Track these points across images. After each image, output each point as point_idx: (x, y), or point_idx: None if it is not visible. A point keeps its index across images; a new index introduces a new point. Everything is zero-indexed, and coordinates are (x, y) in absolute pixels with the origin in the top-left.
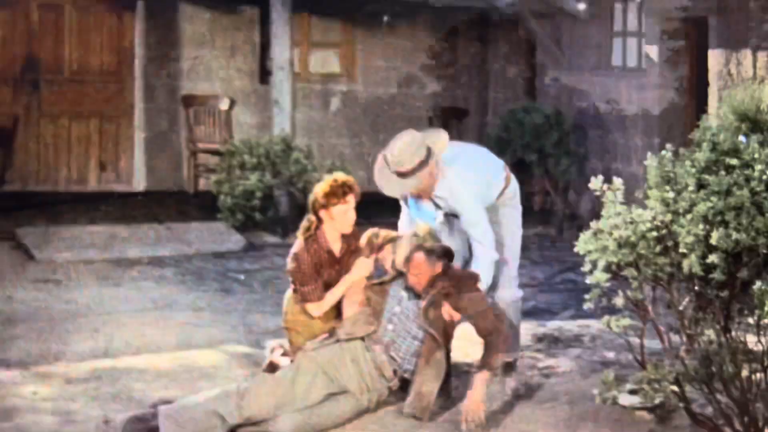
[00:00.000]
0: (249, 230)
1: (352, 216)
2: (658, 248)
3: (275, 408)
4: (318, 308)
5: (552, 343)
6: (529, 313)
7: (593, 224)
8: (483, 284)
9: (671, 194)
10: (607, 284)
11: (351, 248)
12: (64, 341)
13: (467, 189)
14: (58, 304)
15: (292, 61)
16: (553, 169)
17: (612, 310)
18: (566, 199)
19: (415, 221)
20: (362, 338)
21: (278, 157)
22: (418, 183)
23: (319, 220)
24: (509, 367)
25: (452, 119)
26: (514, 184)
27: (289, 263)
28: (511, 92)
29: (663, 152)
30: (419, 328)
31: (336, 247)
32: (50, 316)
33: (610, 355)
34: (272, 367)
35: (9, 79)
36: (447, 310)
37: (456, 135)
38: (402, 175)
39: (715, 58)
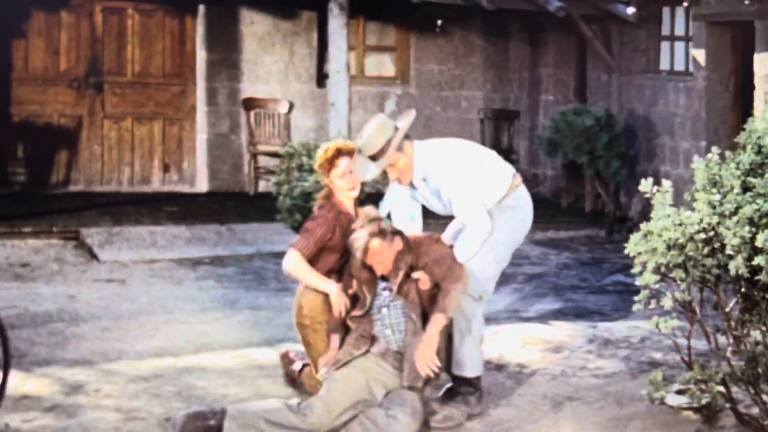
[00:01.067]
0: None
1: (350, 178)
2: (705, 250)
3: (336, 419)
4: (293, 258)
5: (602, 344)
6: (579, 315)
7: (643, 226)
8: (462, 253)
9: (717, 197)
10: (656, 286)
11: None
12: (127, 340)
13: (465, 174)
14: (121, 303)
15: (348, 64)
16: (603, 171)
17: (660, 312)
18: (617, 201)
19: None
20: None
21: None
22: (387, 163)
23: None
24: (469, 386)
25: (504, 121)
26: (520, 194)
27: (309, 221)
28: (561, 95)
29: (709, 155)
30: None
31: (352, 212)
32: (113, 314)
33: (658, 356)
34: (292, 379)
35: (73, 81)
36: (420, 280)
37: (507, 137)
38: (373, 157)
39: (761, 61)
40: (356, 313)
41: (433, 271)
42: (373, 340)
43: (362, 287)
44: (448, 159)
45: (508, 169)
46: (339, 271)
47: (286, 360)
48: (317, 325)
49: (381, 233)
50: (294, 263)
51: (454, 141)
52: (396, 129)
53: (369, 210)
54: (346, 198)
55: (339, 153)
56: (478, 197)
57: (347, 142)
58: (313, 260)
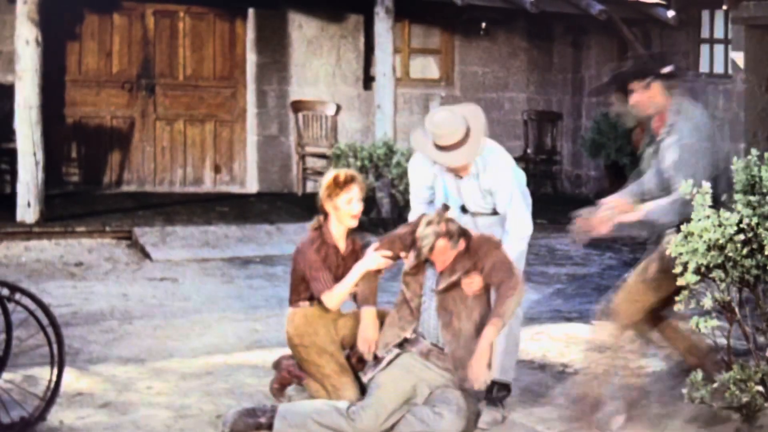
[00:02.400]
0: (353, 231)
1: (356, 207)
2: (744, 251)
3: (384, 423)
4: (331, 298)
5: (643, 344)
6: None
7: (684, 227)
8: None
9: (756, 198)
10: (696, 286)
11: (356, 248)
12: (179, 337)
13: (512, 172)
14: (173, 302)
15: (394, 67)
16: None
17: (700, 312)
18: None
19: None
20: (401, 345)
21: (381, 160)
22: (459, 157)
23: (326, 216)
24: (506, 389)
25: (547, 123)
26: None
27: (294, 260)
28: (603, 96)
29: (749, 157)
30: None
31: (341, 244)
32: (166, 313)
33: None
34: (281, 387)
35: (125, 83)
36: (471, 282)
37: (551, 138)
38: (445, 148)
39: None
40: (411, 305)
41: (490, 275)
42: (416, 333)
43: (411, 276)
44: (504, 158)
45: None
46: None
47: (282, 370)
48: (306, 341)
49: (448, 234)
50: (335, 300)
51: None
52: (467, 128)
53: (439, 209)
54: (343, 226)
55: (352, 179)
56: (526, 198)
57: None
58: (301, 287)
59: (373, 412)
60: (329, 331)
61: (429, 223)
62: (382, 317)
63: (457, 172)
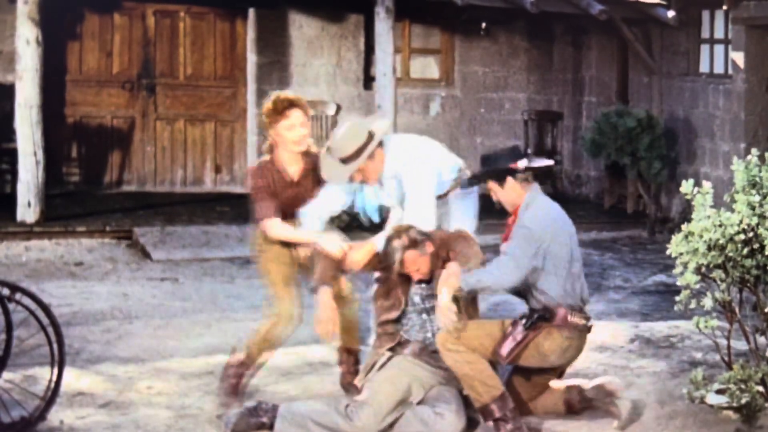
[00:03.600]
0: (353, 230)
1: (299, 132)
2: (745, 251)
3: (382, 421)
4: (271, 227)
5: (643, 343)
6: (622, 315)
7: (684, 227)
8: None
9: (757, 198)
10: (697, 286)
11: (309, 170)
12: (179, 337)
13: (422, 164)
14: (173, 302)
15: (394, 67)
16: (645, 172)
17: (701, 312)
18: (658, 202)
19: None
20: (392, 348)
21: None
22: (358, 167)
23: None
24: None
25: (547, 122)
26: (464, 190)
27: (252, 193)
28: (604, 96)
29: (749, 157)
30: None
31: (292, 168)
32: (166, 312)
33: (698, 355)
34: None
35: (126, 83)
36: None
37: (551, 138)
38: (344, 161)
39: None
40: (390, 316)
41: (456, 251)
42: (400, 340)
43: (397, 291)
44: (414, 155)
45: (457, 162)
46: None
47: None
48: (265, 247)
49: (412, 243)
50: (274, 230)
51: (414, 136)
52: (370, 134)
53: (396, 225)
54: (290, 152)
55: (291, 104)
56: (433, 196)
57: (299, 95)
58: None
59: (371, 411)
60: (289, 248)
61: (391, 240)
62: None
63: (365, 182)
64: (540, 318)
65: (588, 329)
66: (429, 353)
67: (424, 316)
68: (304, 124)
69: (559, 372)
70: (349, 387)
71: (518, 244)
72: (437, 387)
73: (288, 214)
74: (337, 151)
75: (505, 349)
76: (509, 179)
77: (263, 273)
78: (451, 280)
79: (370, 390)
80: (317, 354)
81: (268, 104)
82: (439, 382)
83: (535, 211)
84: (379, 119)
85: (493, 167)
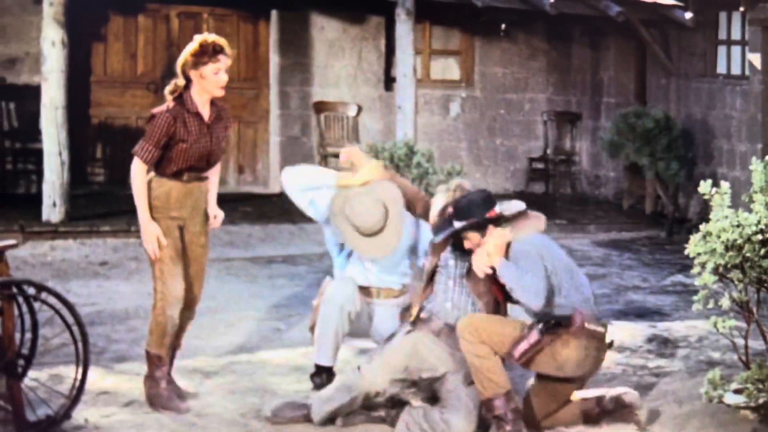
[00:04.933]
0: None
1: (223, 77)
2: (762, 251)
3: (389, 379)
4: (136, 165)
5: (662, 343)
6: (640, 315)
7: (702, 227)
8: None
9: None
10: (714, 286)
11: (222, 115)
12: (203, 336)
13: None
14: None
15: (414, 68)
16: (663, 172)
17: (718, 312)
18: (676, 203)
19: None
20: (413, 323)
21: (401, 160)
22: (386, 242)
23: (188, 83)
24: None
25: (566, 123)
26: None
27: (148, 120)
28: (622, 97)
29: (767, 157)
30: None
31: (205, 112)
32: None
33: (716, 355)
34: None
35: (150, 84)
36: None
37: (570, 139)
38: (368, 236)
39: None
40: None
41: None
42: (422, 315)
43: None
44: None
45: None
46: (194, 168)
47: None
48: (159, 215)
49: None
50: (134, 172)
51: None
52: (384, 207)
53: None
54: (207, 94)
55: (221, 49)
56: None
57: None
58: (165, 158)
59: (378, 366)
60: (178, 220)
61: (447, 189)
62: None
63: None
64: (556, 324)
65: (605, 341)
66: (448, 333)
67: (450, 283)
68: (227, 70)
69: (579, 385)
70: None
71: (531, 267)
72: (450, 381)
73: (201, 164)
74: (366, 228)
75: (519, 350)
76: (490, 227)
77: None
78: (495, 251)
79: (383, 352)
80: (338, 354)
81: (194, 46)
82: (454, 366)
83: (522, 239)
84: (387, 189)
85: (474, 220)
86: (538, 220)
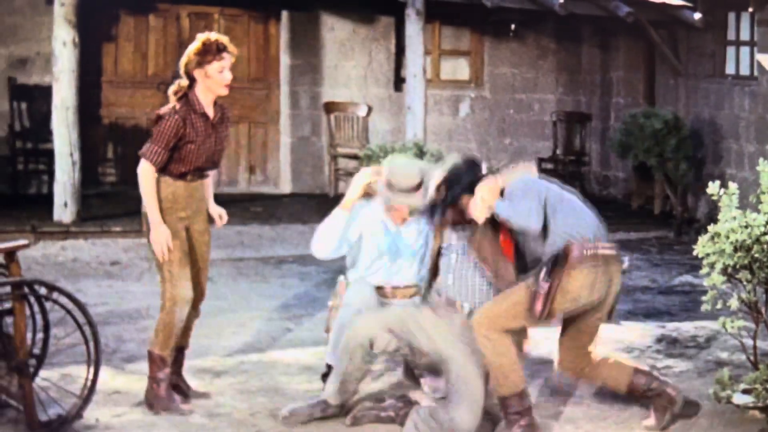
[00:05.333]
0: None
1: (228, 76)
2: None
3: (378, 328)
4: (144, 168)
5: (670, 344)
6: (649, 315)
7: (710, 228)
8: None
9: None
10: (723, 287)
11: (225, 115)
12: (214, 336)
13: None
14: (207, 300)
15: (424, 68)
16: (671, 173)
17: (727, 312)
18: (684, 203)
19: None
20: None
21: None
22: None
23: (192, 82)
24: None
25: (576, 123)
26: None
27: (155, 121)
28: (631, 97)
29: None
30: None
31: (210, 111)
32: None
33: (725, 355)
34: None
35: (161, 84)
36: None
37: (579, 139)
38: (408, 191)
39: None
40: None
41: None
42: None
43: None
44: None
45: None
46: (201, 168)
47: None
48: (168, 218)
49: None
50: (142, 174)
51: None
52: (421, 168)
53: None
54: (211, 93)
55: (225, 47)
56: None
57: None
58: (173, 159)
59: (367, 316)
60: (185, 221)
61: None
62: None
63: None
64: (556, 263)
65: (613, 257)
66: (446, 309)
67: (453, 257)
68: (230, 69)
69: (607, 312)
70: None
71: (524, 196)
72: (453, 370)
73: (207, 164)
74: (401, 183)
75: (537, 308)
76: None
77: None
78: (488, 195)
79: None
80: None
81: (197, 45)
82: (451, 352)
83: (512, 181)
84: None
85: (464, 182)
86: (528, 166)
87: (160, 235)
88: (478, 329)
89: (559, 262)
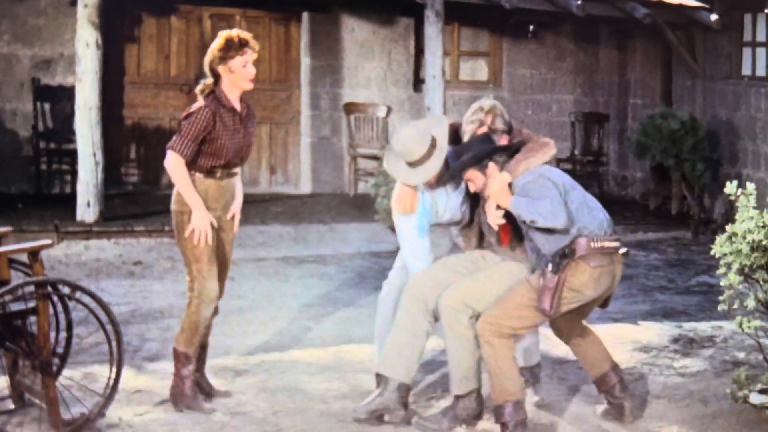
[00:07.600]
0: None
1: (252, 70)
2: None
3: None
4: (173, 160)
5: (687, 343)
6: (666, 315)
7: (727, 228)
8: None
9: None
10: (740, 286)
11: (250, 111)
12: (235, 335)
13: None
14: (229, 300)
15: (443, 69)
16: (689, 173)
17: (744, 312)
18: (701, 204)
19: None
20: None
21: None
22: (427, 171)
23: (217, 79)
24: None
25: (594, 124)
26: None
27: (184, 117)
28: (649, 98)
29: None
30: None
31: (237, 106)
32: (222, 311)
33: (741, 355)
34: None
35: (183, 85)
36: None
37: (597, 139)
38: (411, 164)
39: None
40: None
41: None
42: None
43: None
44: None
45: None
46: (230, 164)
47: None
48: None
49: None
50: (173, 165)
51: None
52: (432, 137)
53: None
54: (237, 88)
55: (247, 42)
56: None
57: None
58: (203, 154)
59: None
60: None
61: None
62: None
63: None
64: (563, 257)
65: (618, 252)
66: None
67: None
68: (254, 63)
69: (602, 301)
70: None
71: (544, 191)
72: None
73: (236, 160)
74: (405, 155)
75: (546, 302)
76: (491, 166)
77: (185, 244)
78: (501, 196)
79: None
80: (367, 353)
81: (220, 41)
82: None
83: (521, 174)
84: (436, 121)
85: (476, 153)
86: (544, 148)
87: (202, 220)
88: (481, 334)
89: (567, 255)
